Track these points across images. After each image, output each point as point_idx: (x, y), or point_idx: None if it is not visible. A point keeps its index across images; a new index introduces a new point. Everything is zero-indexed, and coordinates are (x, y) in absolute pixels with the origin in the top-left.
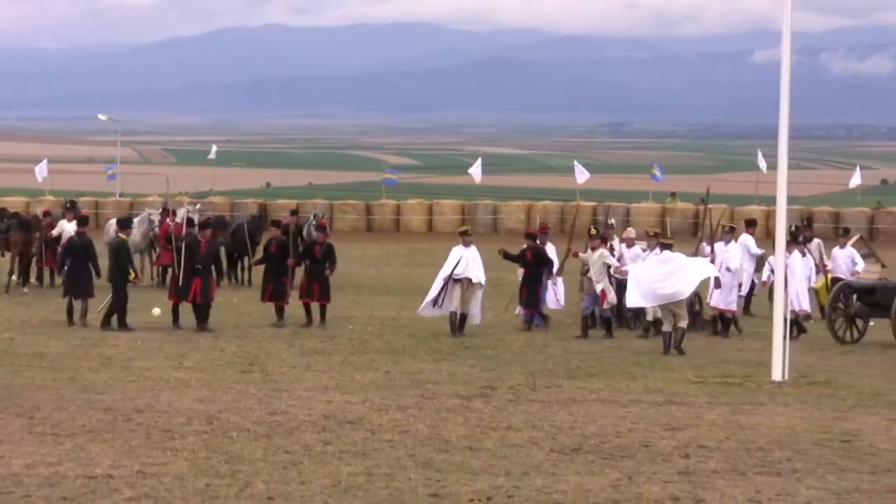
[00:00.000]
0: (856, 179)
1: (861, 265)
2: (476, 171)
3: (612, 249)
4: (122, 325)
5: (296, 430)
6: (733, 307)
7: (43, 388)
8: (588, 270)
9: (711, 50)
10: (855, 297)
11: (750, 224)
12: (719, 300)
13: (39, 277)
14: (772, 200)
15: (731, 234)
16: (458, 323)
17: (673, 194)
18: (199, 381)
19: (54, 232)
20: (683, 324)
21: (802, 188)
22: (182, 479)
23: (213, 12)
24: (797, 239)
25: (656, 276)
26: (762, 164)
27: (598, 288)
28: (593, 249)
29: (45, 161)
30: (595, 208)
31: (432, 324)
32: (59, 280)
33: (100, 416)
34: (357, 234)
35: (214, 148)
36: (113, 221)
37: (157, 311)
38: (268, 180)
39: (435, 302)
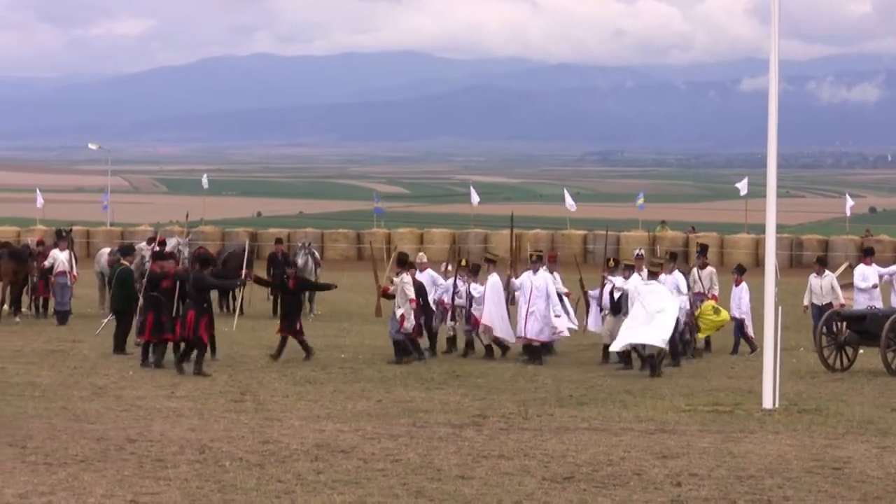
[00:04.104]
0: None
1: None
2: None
3: (602, 280)
4: (119, 349)
5: (288, 459)
6: (543, 338)
7: (35, 417)
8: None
9: (700, 78)
10: (844, 325)
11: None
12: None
13: (37, 308)
14: (760, 229)
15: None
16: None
17: (663, 222)
18: (191, 411)
19: (47, 262)
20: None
21: (791, 216)
22: None
23: (201, 42)
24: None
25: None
26: (742, 187)
27: (399, 313)
28: (397, 275)
29: (37, 190)
30: (584, 237)
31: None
32: (51, 309)
33: (92, 445)
34: (348, 263)
35: (206, 177)
36: (105, 250)
37: None
38: (258, 209)
39: None
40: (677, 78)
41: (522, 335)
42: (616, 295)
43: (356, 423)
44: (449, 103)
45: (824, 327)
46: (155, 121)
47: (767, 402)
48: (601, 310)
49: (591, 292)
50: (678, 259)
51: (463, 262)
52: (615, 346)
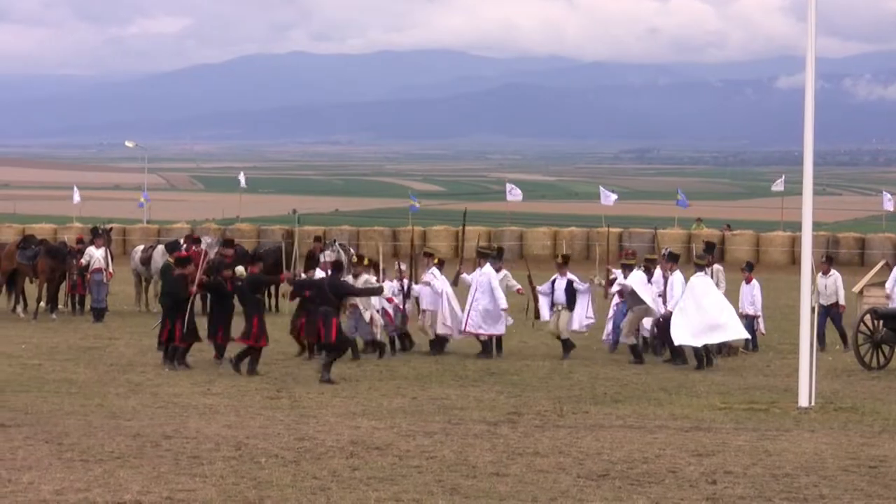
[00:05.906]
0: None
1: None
2: None
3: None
4: (160, 346)
5: (323, 455)
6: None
7: (71, 414)
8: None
9: (735, 76)
10: (881, 323)
11: None
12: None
13: (73, 305)
14: (796, 226)
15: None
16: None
17: (699, 220)
18: (227, 407)
19: (83, 260)
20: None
21: (827, 214)
22: None
23: (237, 40)
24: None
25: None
26: (780, 184)
27: (367, 315)
28: (355, 277)
29: (75, 188)
30: (620, 234)
31: (459, 349)
32: (88, 306)
33: (128, 441)
34: (383, 261)
35: (243, 175)
36: (139, 248)
37: None
38: (294, 207)
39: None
40: (713, 75)
41: (463, 329)
42: (615, 289)
43: (391, 420)
44: (484, 101)
45: (861, 325)
46: (191, 118)
47: (803, 401)
48: (553, 305)
49: (539, 287)
50: (679, 257)
51: (365, 262)
52: (678, 340)
